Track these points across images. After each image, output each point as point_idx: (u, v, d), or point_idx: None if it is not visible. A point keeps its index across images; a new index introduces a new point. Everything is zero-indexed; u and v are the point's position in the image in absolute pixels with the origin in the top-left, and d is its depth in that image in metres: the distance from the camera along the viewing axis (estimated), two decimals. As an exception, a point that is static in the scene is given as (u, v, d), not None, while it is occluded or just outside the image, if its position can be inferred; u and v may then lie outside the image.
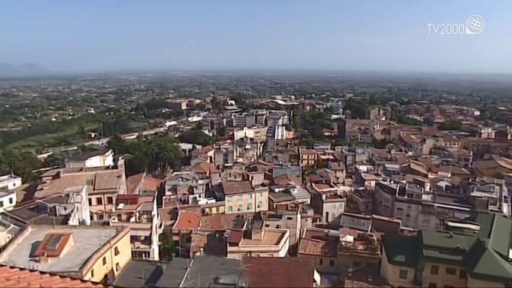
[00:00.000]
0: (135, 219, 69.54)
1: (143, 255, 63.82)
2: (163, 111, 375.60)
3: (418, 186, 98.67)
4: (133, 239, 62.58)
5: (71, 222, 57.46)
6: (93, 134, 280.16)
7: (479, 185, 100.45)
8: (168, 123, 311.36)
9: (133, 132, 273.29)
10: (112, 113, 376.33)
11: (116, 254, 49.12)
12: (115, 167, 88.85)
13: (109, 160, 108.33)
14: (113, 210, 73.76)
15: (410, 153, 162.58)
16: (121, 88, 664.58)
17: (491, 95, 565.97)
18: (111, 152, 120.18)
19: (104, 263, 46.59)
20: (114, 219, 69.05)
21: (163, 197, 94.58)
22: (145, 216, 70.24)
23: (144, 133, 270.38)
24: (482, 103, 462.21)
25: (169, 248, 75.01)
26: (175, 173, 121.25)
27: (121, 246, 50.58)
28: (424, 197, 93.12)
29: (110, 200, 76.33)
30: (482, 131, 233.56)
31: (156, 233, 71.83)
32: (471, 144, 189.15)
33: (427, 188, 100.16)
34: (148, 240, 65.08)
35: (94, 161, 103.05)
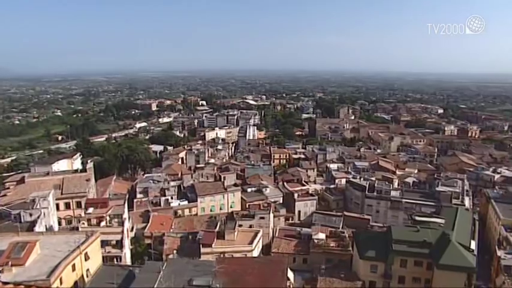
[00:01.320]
0: (106, 223, 68.10)
1: (115, 259, 62.58)
2: (133, 112, 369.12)
3: (386, 183, 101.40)
4: (104, 243, 61.19)
5: (37, 228, 55.53)
6: (60, 137, 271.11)
7: (444, 180, 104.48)
8: (138, 125, 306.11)
9: (102, 135, 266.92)
10: (80, 115, 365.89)
11: (86, 260, 47.95)
12: (84, 170, 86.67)
13: (77, 163, 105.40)
14: (82, 214, 71.98)
15: (379, 150, 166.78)
16: (89, 89, 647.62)
17: (453, 94, 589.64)
18: (80, 155, 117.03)
19: (74, 269, 45.37)
20: (83, 224, 67.28)
21: (135, 200, 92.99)
22: (116, 220, 68.90)
23: (114, 135, 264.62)
24: (445, 101, 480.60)
25: (142, 252, 73.81)
26: (146, 175, 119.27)
27: (91, 252, 49.40)
28: (393, 193, 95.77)
29: (78, 205, 74.37)
30: (446, 129, 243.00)
31: (128, 236, 70.53)
32: (436, 141, 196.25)
33: (395, 185, 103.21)
34: (119, 245, 63.81)
35: (61, 165, 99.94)
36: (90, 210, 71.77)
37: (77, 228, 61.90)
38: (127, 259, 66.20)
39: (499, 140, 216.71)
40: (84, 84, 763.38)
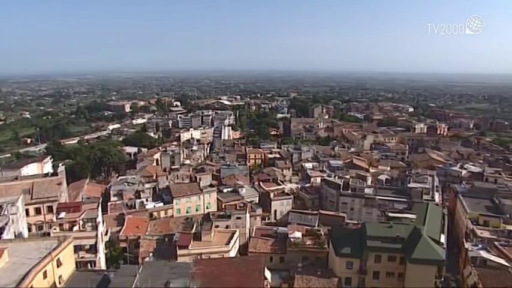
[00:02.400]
0: (79, 227, 66.42)
1: (89, 265, 61.20)
2: (106, 114, 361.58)
3: (360, 180, 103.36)
4: (78, 248, 59.82)
5: (5, 235, 53.60)
6: (29, 140, 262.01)
7: (415, 176, 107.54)
8: (111, 127, 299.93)
9: (74, 137, 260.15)
10: (50, 117, 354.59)
11: (58, 266, 46.67)
12: (55, 174, 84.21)
13: (48, 167, 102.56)
14: (54, 219, 69.93)
15: (352, 149, 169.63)
16: (59, 90, 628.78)
17: (423, 93, 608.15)
18: (50, 159, 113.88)
19: (45, 277, 44.02)
20: (55, 229, 65.31)
21: (109, 203, 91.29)
22: (89, 224, 67.32)
23: (86, 137, 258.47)
24: (415, 100, 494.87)
25: (117, 256, 72.56)
26: (120, 177, 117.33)
27: (64, 258, 48.15)
28: (367, 190, 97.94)
29: (50, 209, 72.23)
30: (416, 127, 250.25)
31: (102, 240, 69.13)
32: (407, 139, 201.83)
33: (369, 182, 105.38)
34: (93, 249, 62.42)
35: (31, 169, 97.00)
36: (62, 214, 69.80)
37: (48, 234, 60.15)
38: (102, 264, 64.87)
39: (465, 137, 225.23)
40: (54, 85, 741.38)
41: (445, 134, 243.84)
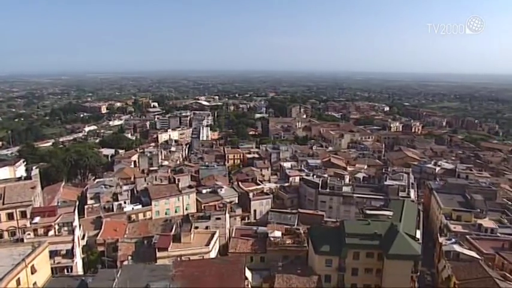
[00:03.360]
0: (54, 232, 64.97)
1: (65, 270, 60.02)
2: (82, 115, 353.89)
3: (338, 179, 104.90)
4: (53, 254, 58.69)
5: (-24, 242, 51.99)
6: (0, 143, 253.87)
7: (391, 174, 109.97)
8: (87, 128, 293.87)
9: (48, 139, 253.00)
10: (22, 119, 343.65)
11: (32, 273, 45.64)
12: (28, 177, 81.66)
13: (21, 170, 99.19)
14: (28, 225, 67.99)
15: (330, 148, 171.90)
16: (32, 92, 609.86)
17: (398, 92, 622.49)
18: (23, 162, 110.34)
19: (18, 284, 43.01)
20: (29, 234, 63.59)
21: (86, 206, 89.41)
22: (65, 228, 65.94)
23: (61, 139, 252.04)
24: (391, 99, 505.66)
25: (95, 260, 71.27)
26: (97, 180, 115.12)
27: (38, 264, 47.13)
28: (345, 188, 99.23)
29: (23, 214, 70.10)
30: (392, 125, 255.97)
31: (79, 245, 67.81)
32: (383, 138, 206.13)
33: (347, 180, 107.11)
34: (70, 254, 61.20)
35: (2, 173, 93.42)
36: (37, 219, 68.02)
37: (22, 240, 58.51)
38: (78, 268, 63.67)
39: (438, 135, 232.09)
40: (27, 87, 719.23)
41: (419, 132, 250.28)
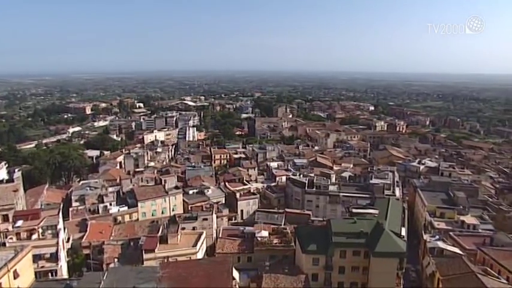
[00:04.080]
0: (38, 236, 63.80)
1: (49, 274, 59.01)
2: (66, 116, 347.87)
3: (324, 178, 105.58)
4: (37, 258, 57.66)
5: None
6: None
7: (376, 173, 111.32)
8: (71, 130, 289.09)
9: (31, 141, 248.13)
10: (4, 120, 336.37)
11: (15, 278, 44.80)
12: (10, 180, 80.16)
13: (2, 173, 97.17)
14: (10, 228, 66.57)
15: (316, 147, 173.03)
16: (13, 93, 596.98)
17: (382, 92, 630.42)
18: (5, 164, 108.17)
19: (1, 289, 42.26)
20: (11, 238, 62.33)
21: (70, 209, 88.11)
22: (49, 231, 64.79)
23: (45, 141, 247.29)
24: (376, 99, 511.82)
25: (80, 263, 70.30)
26: (82, 182, 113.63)
27: (21, 268, 46.25)
28: (331, 188, 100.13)
29: (5, 218, 68.59)
30: (377, 124, 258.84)
31: (64, 248, 66.79)
32: (368, 137, 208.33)
33: (333, 179, 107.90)
34: (54, 258, 60.23)
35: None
36: (19, 223, 66.67)
37: (4, 244, 57.38)
38: (63, 272, 62.70)
39: (422, 134, 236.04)
40: (8, 87, 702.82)
41: (404, 131, 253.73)
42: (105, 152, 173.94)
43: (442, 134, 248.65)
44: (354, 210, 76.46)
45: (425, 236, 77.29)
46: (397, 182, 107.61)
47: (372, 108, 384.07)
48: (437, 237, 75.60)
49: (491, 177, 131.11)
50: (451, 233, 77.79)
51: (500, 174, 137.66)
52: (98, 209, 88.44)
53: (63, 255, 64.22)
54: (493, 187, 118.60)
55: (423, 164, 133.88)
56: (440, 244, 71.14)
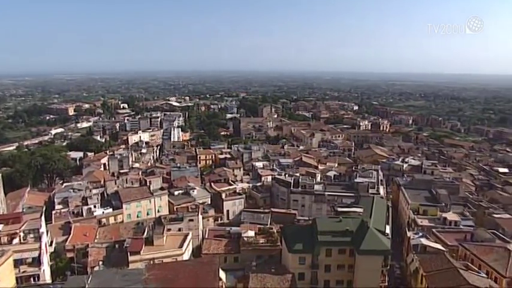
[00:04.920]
0: (19, 240, 62.48)
1: (31, 279, 57.99)
2: (48, 118, 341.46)
3: (310, 177, 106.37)
4: (18, 262, 56.66)
5: None
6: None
7: (361, 171, 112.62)
8: (53, 131, 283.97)
9: (11, 143, 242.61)
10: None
11: (-4, 283, 43.88)
12: (-10, 184, 78.59)
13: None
14: (-10, 233, 65.23)
15: (301, 147, 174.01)
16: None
17: (366, 92, 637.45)
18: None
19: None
20: (-9, 243, 61.07)
21: (53, 212, 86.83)
22: (31, 235, 63.47)
23: (26, 143, 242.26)
24: (359, 99, 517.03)
25: (63, 267, 69.26)
26: (65, 184, 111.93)
27: (1, 274, 45.38)
28: (316, 187, 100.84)
29: (-15, 222, 67.23)
30: (361, 124, 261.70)
31: (47, 252, 65.62)
32: (352, 136, 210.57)
33: (318, 179, 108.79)
34: (37, 262, 59.16)
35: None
36: (0, 227, 65.41)
37: (-16, 249, 56.14)
38: (46, 277, 61.62)
39: (405, 133, 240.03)
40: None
41: (387, 130, 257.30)
42: (89, 154, 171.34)
43: (424, 133, 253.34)
44: (339, 209, 77.32)
45: (409, 233, 78.61)
46: (381, 180, 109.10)
47: (356, 107, 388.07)
48: (420, 234, 76.93)
49: (471, 174, 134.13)
50: (433, 229, 79.27)
51: (480, 171, 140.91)
52: (82, 212, 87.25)
53: (46, 259, 63.10)
54: (473, 184, 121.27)
55: (406, 162, 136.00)
56: (424, 241, 72.44)
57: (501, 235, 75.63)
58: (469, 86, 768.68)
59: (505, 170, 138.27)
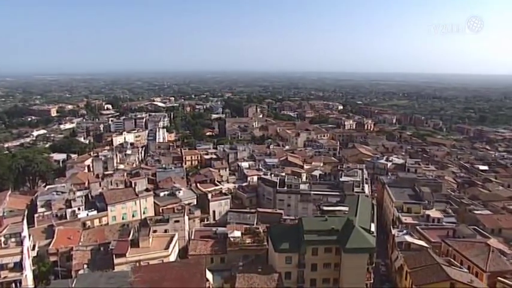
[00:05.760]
0: (0, 244, 61.29)
1: (13, 284, 56.90)
2: (29, 119, 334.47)
3: (295, 177, 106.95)
4: (0, 268, 55.36)
5: None
6: None
7: (346, 171, 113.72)
8: (35, 133, 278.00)
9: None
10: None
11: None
12: (-31, 187, 76.73)
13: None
14: (-30, 238, 63.72)
15: (287, 147, 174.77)
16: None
17: (350, 91, 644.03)
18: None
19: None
20: (-29, 248, 59.67)
21: (36, 215, 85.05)
22: (13, 239, 62.18)
23: (6, 145, 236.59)
24: (344, 98, 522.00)
25: (47, 271, 67.99)
26: (48, 186, 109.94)
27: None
28: (302, 186, 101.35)
29: (-35, 227, 65.66)
30: (346, 123, 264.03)
31: (29, 256, 64.41)
32: (337, 135, 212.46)
33: (304, 178, 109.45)
34: (18, 267, 58.01)
35: None
36: (-20, 231, 63.95)
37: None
38: (29, 282, 60.48)
39: (389, 132, 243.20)
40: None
41: (371, 129, 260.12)
42: (73, 155, 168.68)
43: (407, 132, 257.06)
44: (325, 208, 77.91)
45: (394, 231, 79.84)
46: (366, 179, 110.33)
47: (340, 107, 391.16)
48: (404, 231, 78.28)
49: (453, 172, 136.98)
50: (417, 227, 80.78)
51: (462, 169, 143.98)
52: (66, 214, 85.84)
53: (28, 264, 61.91)
54: (455, 182, 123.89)
55: (390, 161, 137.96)
56: (408, 238, 73.70)
57: (481, 231, 77.63)
58: (450, 86, 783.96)
59: (485, 167, 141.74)
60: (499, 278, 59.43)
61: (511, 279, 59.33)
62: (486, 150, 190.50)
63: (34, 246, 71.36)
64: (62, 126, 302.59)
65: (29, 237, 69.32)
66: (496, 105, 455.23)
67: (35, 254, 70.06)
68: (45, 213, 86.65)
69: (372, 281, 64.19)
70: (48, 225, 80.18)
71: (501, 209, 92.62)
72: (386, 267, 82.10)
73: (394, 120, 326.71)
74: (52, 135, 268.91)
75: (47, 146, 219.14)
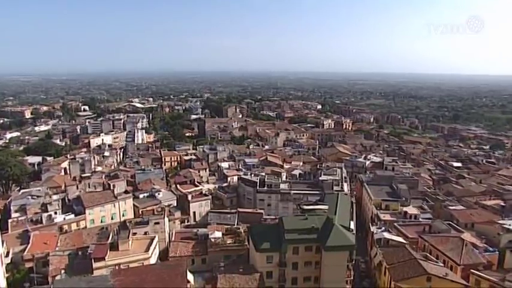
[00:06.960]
0: (-28, 252, 59.29)
1: (-14, 293, 55.15)
2: (2, 121, 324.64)
3: (275, 176, 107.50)
4: (-28, 275, 53.61)
5: None
6: None
7: (325, 169, 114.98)
8: (9, 135, 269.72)
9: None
10: None
11: None
12: None
13: None
14: None
15: (266, 146, 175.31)
16: None
17: (329, 91, 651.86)
18: None
19: None
20: None
21: (9, 220, 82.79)
22: (-14, 246, 60.42)
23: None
24: (323, 98, 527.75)
25: (21, 278, 66.15)
26: (22, 190, 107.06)
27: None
28: (282, 186, 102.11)
29: None
30: (324, 122, 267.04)
31: (2, 264, 62.39)
32: (316, 135, 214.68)
33: (284, 178, 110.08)
34: (-8, 274, 56.25)
35: None
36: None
37: None
38: (3, 289, 58.72)
39: (367, 131, 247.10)
40: None
41: (350, 128, 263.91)
42: (48, 158, 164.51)
43: (385, 130, 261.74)
44: (305, 207, 78.46)
45: (373, 228, 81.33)
46: (345, 177, 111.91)
47: (319, 106, 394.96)
48: (383, 228, 79.82)
49: (429, 169, 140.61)
50: (395, 223, 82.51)
51: (437, 166, 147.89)
52: (42, 219, 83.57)
53: (1, 271, 60.06)
54: (430, 178, 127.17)
55: (369, 159, 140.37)
56: (386, 235, 75.22)
57: (456, 226, 80.00)
58: (425, 85, 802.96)
59: (459, 164, 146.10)
60: (472, 270, 61.57)
61: (483, 271, 61.51)
62: (459, 147, 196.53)
63: (8, 252, 69.33)
64: (36, 128, 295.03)
65: (2, 244, 67.25)
66: (468, 104, 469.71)
67: (9, 261, 68.02)
68: (20, 218, 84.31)
69: (352, 278, 65.28)
70: (23, 230, 77.91)
71: (474, 204, 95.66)
72: (366, 264, 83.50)
73: (371, 119, 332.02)
74: (26, 137, 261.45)
75: (21, 148, 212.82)
